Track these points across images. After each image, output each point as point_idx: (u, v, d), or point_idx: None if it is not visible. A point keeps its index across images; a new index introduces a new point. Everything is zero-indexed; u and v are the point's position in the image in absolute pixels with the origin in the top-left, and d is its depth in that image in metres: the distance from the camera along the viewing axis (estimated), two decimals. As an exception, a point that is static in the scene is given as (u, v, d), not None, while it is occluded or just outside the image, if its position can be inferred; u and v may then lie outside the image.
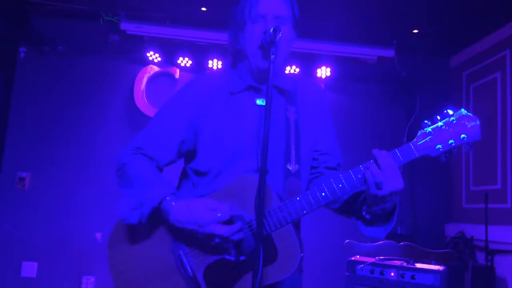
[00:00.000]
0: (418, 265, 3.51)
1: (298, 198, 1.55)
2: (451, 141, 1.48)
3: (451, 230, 4.67)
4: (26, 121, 4.65)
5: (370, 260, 3.63)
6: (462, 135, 1.47)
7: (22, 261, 4.50)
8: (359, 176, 1.52)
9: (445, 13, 4.15)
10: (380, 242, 3.85)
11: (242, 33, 1.76)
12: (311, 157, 1.82)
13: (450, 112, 1.49)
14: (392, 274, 3.50)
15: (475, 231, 4.18)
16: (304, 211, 1.55)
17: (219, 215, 1.54)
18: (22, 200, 4.56)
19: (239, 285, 1.57)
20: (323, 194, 1.54)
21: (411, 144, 1.51)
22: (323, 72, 4.80)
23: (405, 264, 3.53)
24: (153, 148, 1.75)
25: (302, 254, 1.59)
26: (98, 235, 4.47)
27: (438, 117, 1.50)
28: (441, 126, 1.49)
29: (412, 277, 3.44)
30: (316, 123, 1.83)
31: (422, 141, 1.50)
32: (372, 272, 3.57)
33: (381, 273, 3.54)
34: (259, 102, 1.76)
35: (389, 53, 4.70)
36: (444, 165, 5.14)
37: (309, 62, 4.78)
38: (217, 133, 1.72)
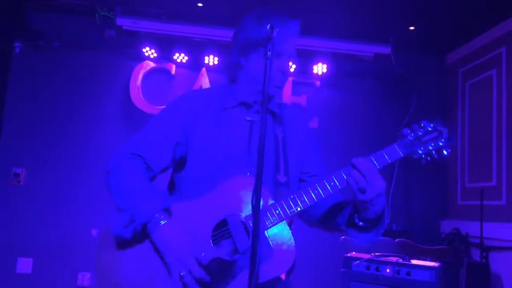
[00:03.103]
0: (414, 262, 3.52)
1: (292, 196, 1.60)
2: (430, 145, 1.64)
3: (447, 226, 4.68)
4: (21, 116, 4.62)
5: (366, 256, 3.64)
6: (439, 141, 1.64)
7: (18, 257, 4.48)
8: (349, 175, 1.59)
9: (441, 10, 4.15)
10: (376, 238, 3.86)
11: (255, 54, 1.78)
12: (299, 175, 1.87)
13: (426, 122, 1.65)
14: (388, 270, 3.52)
15: (470, 227, 4.19)
16: (298, 208, 1.60)
17: (203, 254, 1.56)
18: (17, 196, 4.54)
19: (234, 284, 1.57)
20: (316, 192, 1.60)
21: (395, 145, 1.64)
22: (320, 68, 4.79)
23: (401, 260, 3.55)
24: (148, 151, 1.75)
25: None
26: (94, 232, 4.46)
27: (416, 126, 1.65)
28: (420, 133, 1.64)
29: (408, 274, 3.45)
30: (302, 145, 1.90)
31: (405, 144, 1.64)
32: (367, 268, 3.59)
33: (377, 269, 3.56)
34: (248, 118, 1.80)
35: (386, 50, 4.70)
36: (440, 162, 5.14)
37: (305, 59, 4.77)
38: (206, 144, 1.74)
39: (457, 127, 4.82)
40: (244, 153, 1.74)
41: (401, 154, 1.62)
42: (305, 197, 1.60)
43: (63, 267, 4.50)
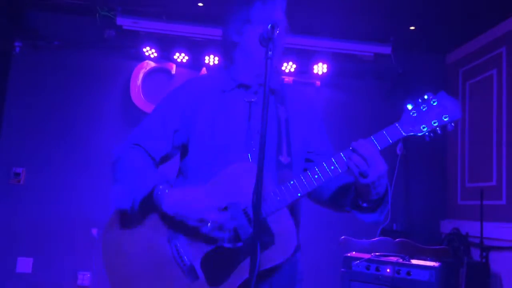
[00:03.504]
0: (414, 261, 3.52)
1: (292, 182, 1.59)
2: (434, 122, 1.55)
3: (447, 226, 4.69)
4: (21, 116, 4.63)
5: (366, 256, 3.64)
6: (444, 116, 1.55)
7: (18, 256, 4.49)
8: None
9: (441, 10, 4.15)
10: (376, 238, 3.87)
11: (249, 25, 1.79)
12: (303, 154, 1.85)
13: (431, 95, 1.58)
14: (388, 270, 3.52)
15: (470, 227, 4.19)
16: (299, 194, 1.59)
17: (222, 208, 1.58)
18: (17, 196, 4.54)
19: (237, 272, 1.58)
20: (316, 176, 1.58)
21: (397, 124, 1.58)
22: (320, 68, 4.79)
23: (401, 260, 3.55)
24: (148, 140, 1.78)
25: (298, 242, 1.63)
26: (94, 231, 4.46)
27: (420, 100, 1.58)
28: (424, 108, 1.56)
29: (408, 273, 3.45)
30: (306, 124, 1.87)
31: (408, 122, 1.57)
32: (367, 268, 3.59)
33: (377, 269, 3.56)
34: (248, 100, 1.80)
35: (386, 50, 4.70)
36: (440, 162, 5.16)
37: (305, 59, 4.77)
38: (208, 128, 1.75)
39: (457, 127, 4.82)
40: (244, 135, 1.74)
41: (403, 133, 1.56)
42: (305, 182, 1.59)
43: (63, 266, 4.50)
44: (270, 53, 1.49)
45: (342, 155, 1.57)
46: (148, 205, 1.63)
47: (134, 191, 1.61)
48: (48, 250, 4.49)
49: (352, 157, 1.53)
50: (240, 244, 1.59)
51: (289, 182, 1.60)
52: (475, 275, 3.72)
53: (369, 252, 3.70)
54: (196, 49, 4.73)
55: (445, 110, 1.55)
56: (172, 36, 4.65)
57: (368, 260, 3.60)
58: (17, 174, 4.56)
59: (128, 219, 1.67)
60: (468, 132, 4.69)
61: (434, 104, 1.56)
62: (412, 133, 1.57)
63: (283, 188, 1.60)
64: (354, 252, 3.76)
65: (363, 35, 4.68)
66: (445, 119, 1.55)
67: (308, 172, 1.60)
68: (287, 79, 4.81)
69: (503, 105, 4.20)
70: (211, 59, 4.71)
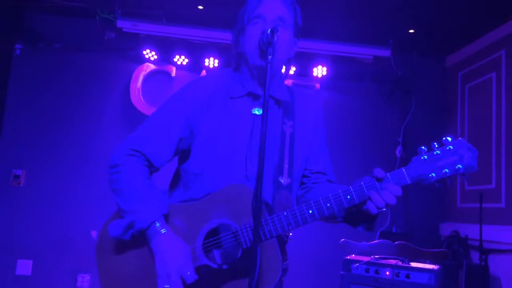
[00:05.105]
0: (413, 264, 3.52)
1: (285, 213, 1.56)
2: (445, 170, 1.45)
3: (446, 229, 4.69)
4: (22, 118, 4.64)
5: (366, 259, 3.65)
6: (458, 165, 1.44)
7: (17, 259, 4.49)
8: (348, 197, 1.52)
9: (441, 13, 4.16)
10: (375, 241, 3.87)
11: (242, 36, 1.76)
12: (302, 171, 1.83)
13: (449, 139, 1.47)
14: (387, 273, 3.52)
15: (469, 230, 4.20)
16: (290, 227, 1.55)
17: (188, 273, 1.57)
18: (17, 198, 4.55)
19: None
20: (310, 211, 1.54)
21: (403, 170, 1.49)
22: (319, 71, 4.80)
23: (400, 263, 3.55)
24: (150, 147, 1.73)
25: (284, 267, 1.60)
26: (93, 233, 4.45)
27: (436, 144, 1.47)
28: (437, 153, 1.46)
29: (407, 276, 3.46)
30: (311, 140, 1.83)
31: (416, 168, 1.48)
32: (367, 271, 3.59)
33: (376, 272, 3.56)
34: (256, 111, 1.74)
35: (385, 52, 4.70)
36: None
37: (305, 61, 4.78)
38: (211, 136, 1.71)
39: (456, 130, 4.83)
40: (244, 151, 1.70)
41: (408, 181, 1.48)
42: (298, 216, 1.55)
43: (63, 269, 4.50)
44: (270, 57, 1.47)
45: (341, 194, 1.52)
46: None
47: (133, 228, 1.62)
48: (47, 252, 4.49)
49: (382, 194, 1.49)
50: (225, 266, 1.58)
51: (283, 213, 1.55)
52: (474, 278, 3.72)
53: (368, 254, 3.71)
54: (196, 52, 4.73)
55: (460, 159, 1.44)
56: (172, 39, 4.65)
57: (368, 263, 3.60)
58: (17, 176, 4.57)
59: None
60: (467, 135, 4.69)
61: (450, 150, 1.45)
62: (419, 180, 1.48)
63: (275, 218, 1.55)
64: (353, 255, 3.76)
65: (362, 38, 4.69)
66: (457, 169, 1.44)
67: (303, 206, 1.55)
68: (286, 82, 4.81)
69: (502, 108, 4.21)
70: (211, 62, 4.72)
